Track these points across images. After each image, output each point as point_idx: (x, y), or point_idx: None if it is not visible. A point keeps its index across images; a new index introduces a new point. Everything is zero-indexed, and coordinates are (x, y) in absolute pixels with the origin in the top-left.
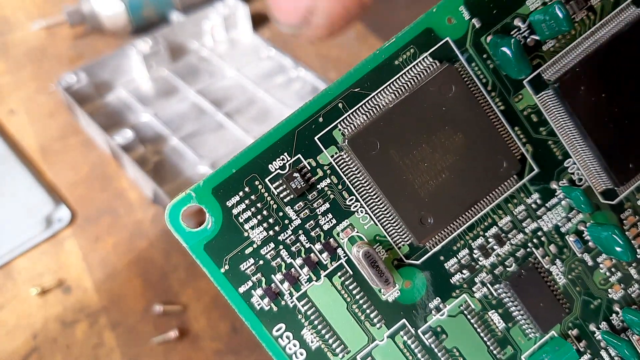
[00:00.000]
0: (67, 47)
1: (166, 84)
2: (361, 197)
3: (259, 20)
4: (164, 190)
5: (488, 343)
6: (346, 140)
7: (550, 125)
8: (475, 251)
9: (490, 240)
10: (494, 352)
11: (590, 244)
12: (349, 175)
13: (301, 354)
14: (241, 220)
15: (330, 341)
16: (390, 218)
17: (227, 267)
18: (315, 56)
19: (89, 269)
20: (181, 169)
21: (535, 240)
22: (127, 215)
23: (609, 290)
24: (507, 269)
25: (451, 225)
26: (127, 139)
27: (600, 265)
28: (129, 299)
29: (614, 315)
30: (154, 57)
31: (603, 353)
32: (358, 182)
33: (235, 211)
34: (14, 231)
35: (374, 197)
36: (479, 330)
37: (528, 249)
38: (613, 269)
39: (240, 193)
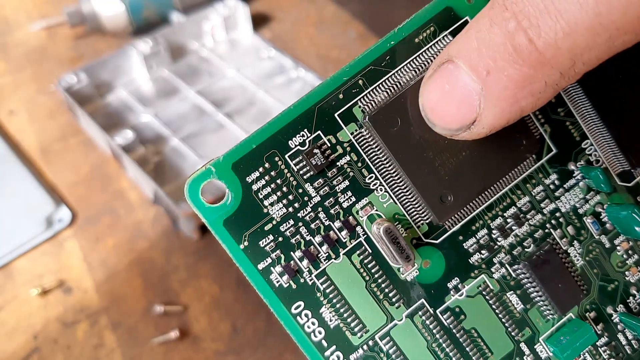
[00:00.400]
0: (68, 48)
1: (166, 84)
2: (381, 175)
3: (259, 21)
4: (165, 190)
5: (506, 324)
6: (367, 117)
7: (568, 106)
8: (494, 231)
9: (509, 220)
10: (512, 333)
11: (607, 225)
12: (369, 152)
13: (319, 333)
14: (261, 197)
15: (349, 320)
16: (410, 196)
17: (246, 243)
18: (315, 57)
19: (89, 269)
20: (181, 169)
21: (553, 222)
22: (127, 215)
23: (626, 272)
24: (526, 249)
25: (471, 204)
26: (127, 139)
27: (618, 248)
28: (130, 300)
29: (630, 298)
30: (154, 58)
31: (620, 336)
32: (378, 160)
33: (255, 187)
34: (14, 232)
35: (394, 174)
36: (497, 311)
37: (546, 230)
38: (630, 252)
39: (260, 169)
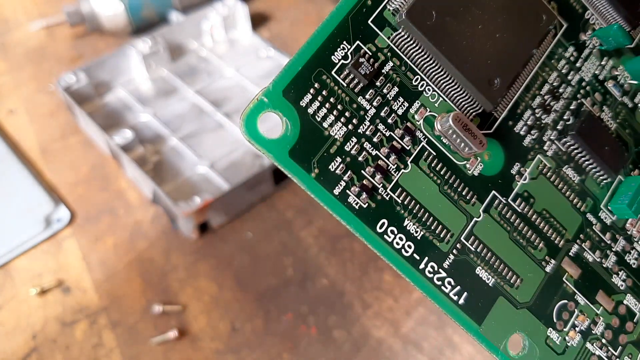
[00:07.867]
0: (67, 47)
1: (165, 84)
2: (425, 74)
3: (259, 20)
4: (164, 190)
5: (570, 198)
6: (403, 14)
7: None
8: (537, 110)
9: (546, 97)
10: (577, 206)
11: (625, 86)
12: (410, 53)
13: (409, 247)
14: (318, 119)
15: (433, 227)
16: (457, 89)
17: (317, 170)
18: None
19: (88, 269)
20: (180, 169)
21: (582, 91)
22: (126, 215)
23: None
24: (567, 122)
25: (513, 86)
26: (126, 139)
27: (639, 105)
28: (129, 299)
29: None
30: (154, 57)
31: None
32: (420, 59)
33: (310, 110)
34: (13, 231)
35: (438, 70)
36: (559, 187)
37: (578, 101)
38: None
39: (311, 90)
